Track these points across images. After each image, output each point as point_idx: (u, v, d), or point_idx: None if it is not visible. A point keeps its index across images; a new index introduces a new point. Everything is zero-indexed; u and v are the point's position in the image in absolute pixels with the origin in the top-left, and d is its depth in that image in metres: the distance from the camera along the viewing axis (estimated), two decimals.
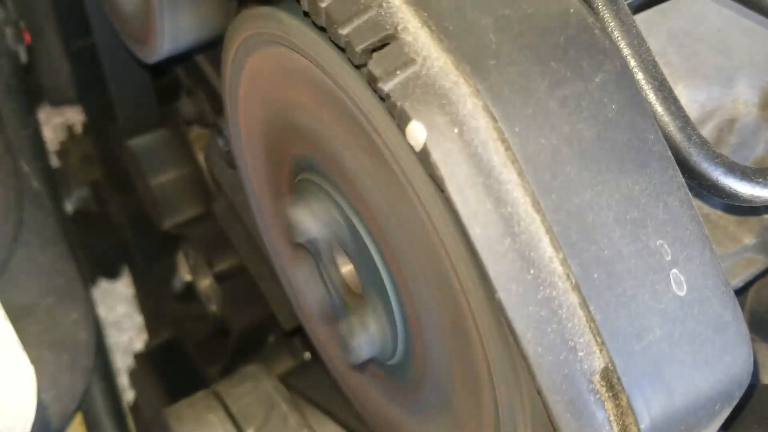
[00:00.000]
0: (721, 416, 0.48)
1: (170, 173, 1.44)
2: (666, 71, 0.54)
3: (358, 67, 0.46)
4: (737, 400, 0.49)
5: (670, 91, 0.52)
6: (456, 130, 0.43)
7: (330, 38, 0.47)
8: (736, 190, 0.54)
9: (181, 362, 1.65)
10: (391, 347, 0.62)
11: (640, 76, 0.50)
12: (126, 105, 1.50)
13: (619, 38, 0.50)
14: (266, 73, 0.62)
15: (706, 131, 0.64)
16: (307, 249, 0.67)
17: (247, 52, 0.63)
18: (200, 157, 1.41)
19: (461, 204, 0.43)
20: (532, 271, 0.43)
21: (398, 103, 0.43)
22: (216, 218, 1.21)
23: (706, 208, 0.69)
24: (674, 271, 0.45)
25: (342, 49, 0.47)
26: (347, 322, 0.62)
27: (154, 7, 0.90)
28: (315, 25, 0.49)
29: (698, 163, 0.52)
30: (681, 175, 0.47)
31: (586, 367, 0.43)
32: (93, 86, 1.58)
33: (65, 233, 1.10)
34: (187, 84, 1.27)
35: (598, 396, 0.43)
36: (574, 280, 0.43)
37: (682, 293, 0.45)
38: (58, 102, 1.86)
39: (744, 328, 0.47)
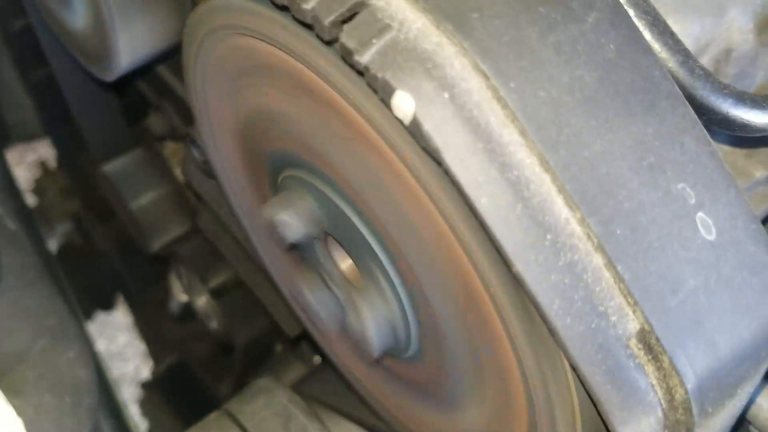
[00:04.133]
0: (766, 362, 0.45)
1: (150, 194, 1.40)
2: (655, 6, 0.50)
3: (329, 43, 0.42)
4: None
5: (666, 25, 0.48)
6: (446, 95, 0.39)
7: (294, 17, 0.43)
8: (748, 121, 0.50)
9: (190, 384, 1.61)
10: (403, 334, 0.58)
11: (631, 12, 0.47)
12: (94, 130, 1.45)
13: None
14: (234, 68, 0.58)
15: (703, 64, 0.61)
16: (301, 252, 0.63)
17: (210, 48, 0.59)
18: (178, 173, 1.36)
19: (462, 174, 0.39)
20: (549, 237, 0.39)
21: (379, 75, 0.40)
22: (202, 232, 1.17)
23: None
24: (700, 214, 0.41)
25: (310, 27, 0.43)
26: (355, 310, 0.58)
27: (106, 22, 0.86)
28: (276, 5, 0.45)
29: (705, 97, 0.49)
30: (693, 112, 0.43)
31: (620, 332, 0.39)
32: (58, 116, 1.53)
33: (50, 271, 1.05)
34: (153, 99, 1.23)
35: (637, 361, 0.40)
36: (596, 240, 0.39)
37: (711, 237, 0.41)
38: (26, 137, 1.81)
39: None
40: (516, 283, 0.40)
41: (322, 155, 0.54)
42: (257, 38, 0.52)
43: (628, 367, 0.39)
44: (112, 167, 1.40)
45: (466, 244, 0.43)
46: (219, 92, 0.64)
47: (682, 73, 0.48)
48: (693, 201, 0.41)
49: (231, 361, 1.43)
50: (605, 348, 0.39)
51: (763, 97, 0.51)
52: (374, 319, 0.57)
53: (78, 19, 0.94)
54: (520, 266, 0.39)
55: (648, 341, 0.40)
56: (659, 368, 0.40)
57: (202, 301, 1.37)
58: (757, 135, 0.52)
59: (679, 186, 0.41)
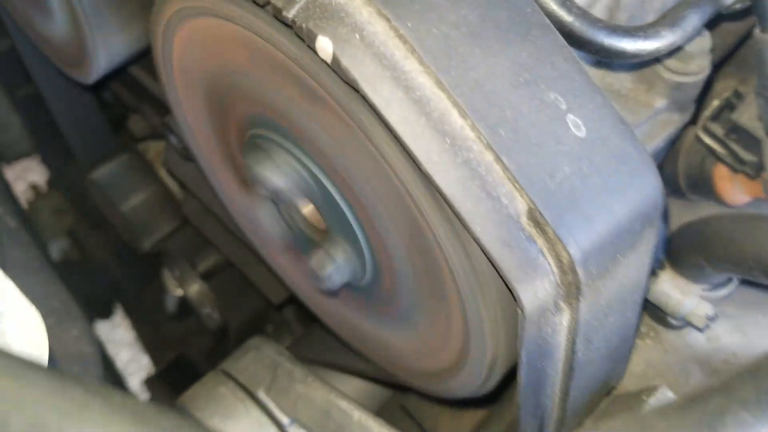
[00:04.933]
0: (647, 237, 0.55)
1: (138, 195, 1.49)
2: None
3: (263, 6, 0.52)
4: (658, 221, 0.55)
5: None
6: (357, 36, 0.49)
7: None
8: (622, 48, 0.60)
9: (192, 379, 1.69)
10: (360, 268, 0.68)
11: None
12: (81, 140, 1.54)
13: None
14: (196, 46, 0.68)
15: (597, 14, 0.71)
16: (270, 199, 0.73)
17: (172, 34, 0.69)
18: (163, 174, 1.46)
19: (376, 98, 0.49)
20: (448, 141, 0.49)
21: (303, 25, 0.50)
22: (188, 221, 1.27)
23: (617, 84, 0.75)
24: (571, 116, 0.51)
25: None
26: (317, 255, 0.68)
27: (84, 30, 0.96)
28: None
29: (583, 31, 0.59)
30: (562, 38, 0.53)
31: (512, 211, 0.49)
32: (45, 131, 1.62)
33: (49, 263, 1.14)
34: (132, 103, 1.33)
35: (528, 234, 0.50)
36: (485, 141, 0.49)
37: (582, 134, 0.51)
38: (13, 157, 1.89)
39: (646, 155, 0.54)
40: (431, 185, 0.50)
41: (277, 110, 0.64)
42: (208, 15, 0.62)
43: (520, 238, 0.49)
44: (100, 173, 1.49)
45: (388, 158, 0.53)
46: (186, 68, 0.73)
47: (561, 13, 0.59)
48: (564, 106, 0.51)
49: (227, 348, 1.51)
50: (500, 224, 0.49)
51: (634, 27, 0.62)
52: (335, 252, 0.67)
53: (57, 28, 1.04)
54: (428, 166, 0.49)
55: (535, 217, 0.50)
56: (546, 239, 0.50)
57: (194, 290, 1.46)
58: (634, 61, 0.63)
59: (552, 95, 0.51)
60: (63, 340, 1.01)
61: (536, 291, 0.50)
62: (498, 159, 0.49)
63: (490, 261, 0.50)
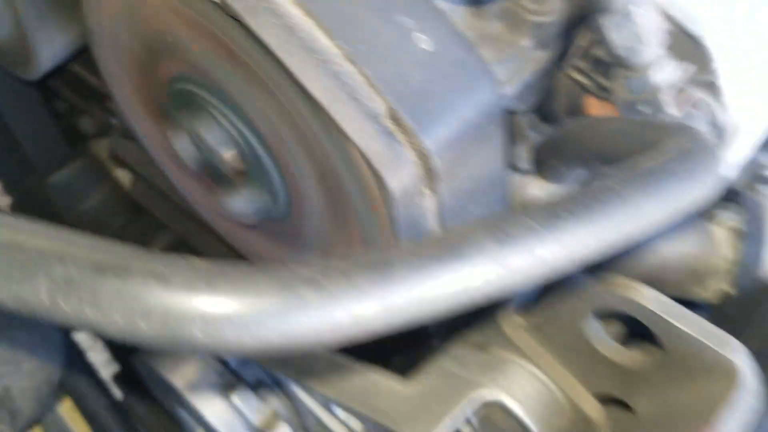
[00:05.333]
0: (492, 132, 0.67)
1: (95, 194, 1.59)
2: None
3: None
4: (499, 118, 0.67)
5: None
6: None
7: None
8: None
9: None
10: (273, 196, 0.78)
11: None
12: (38, 150, 1.64)
13: None
14: (121, 13, 0.79)
15: None
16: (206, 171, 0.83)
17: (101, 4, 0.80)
18: (117, 172, 1.56)
19: (255, 25, 0.60)
20: (318, 56, 0.61)
21: None
22: (138, 205, 1.36)
23: (488, 28, 0.87)
24: (420, 35, 0.63)
25: None
26: (238, 193, 0.78)
27: (27, 31, 1.06)
28: None
29: None
30: None
31: (374, 112, 0.61)
32: (3, 146, 1.70)
33: None
34: (78, 103, 1.43)
35: (389, 129, 0.61)
36: (348, 55, 0.61)
37: (429, 48, 0.63)
38: None
39: (485, 66, 0.66)
40: (308, 95, 0.61)
41: (191, 61, 0.75)
42: None
43: (383, 132, 0.61)
44: (58, 178, 1.59)
45: (272, 77, 0.64)
46: (117, 45, 0.84)
47: None
48: (412, 26, 0.63)
49: None
50: (365, 122, 0.61)
51: None
52: (251, 189, 0.78)
53: (2, 32, 1.14)
54: (302, 77, 0.60)
55: (394, 116, 0.61)
56: (405, 132, 0.61)
57: None
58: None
59: (402, 18, 0.63)
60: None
61: (401, 177, 0.62)
62: (359, 70, 0.61)
63: (360, 154, 0.62)
